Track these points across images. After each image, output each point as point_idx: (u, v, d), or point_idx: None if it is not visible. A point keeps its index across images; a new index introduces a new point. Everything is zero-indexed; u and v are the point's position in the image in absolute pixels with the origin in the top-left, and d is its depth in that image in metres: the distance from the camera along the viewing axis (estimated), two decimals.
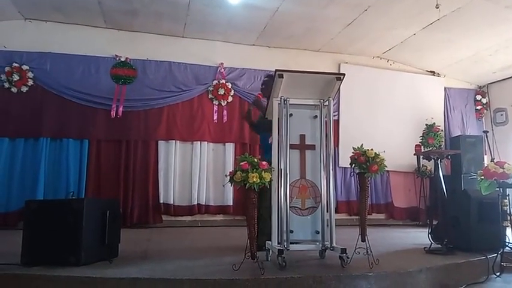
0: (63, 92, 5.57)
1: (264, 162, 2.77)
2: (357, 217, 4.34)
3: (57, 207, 2.85)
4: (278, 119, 2.98)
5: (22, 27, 5.63)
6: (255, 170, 2.71)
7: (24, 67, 5.46)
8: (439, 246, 3.47)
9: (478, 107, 7.40)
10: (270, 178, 2.75)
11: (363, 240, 2.89)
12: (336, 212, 5.02)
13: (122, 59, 5.86)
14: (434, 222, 3.90)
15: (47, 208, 2.86)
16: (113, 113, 5.64)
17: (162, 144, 5.87)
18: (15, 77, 5.39)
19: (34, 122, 5.39)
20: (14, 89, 5.42)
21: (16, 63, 5.44)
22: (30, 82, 5.47)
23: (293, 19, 5.63)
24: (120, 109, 5.69)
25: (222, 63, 6.21)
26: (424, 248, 3.54)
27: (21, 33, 5.60)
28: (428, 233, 3.64)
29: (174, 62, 6.04)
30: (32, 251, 2.74)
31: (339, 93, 5.99)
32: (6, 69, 5.41)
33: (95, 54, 5.76)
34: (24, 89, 5.45)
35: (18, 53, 5.49)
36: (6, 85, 5.40)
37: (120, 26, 5.87)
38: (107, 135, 5.65)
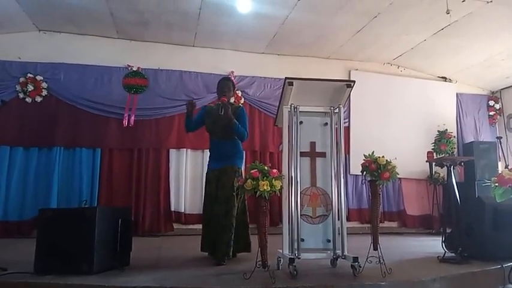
0: (76, 102, 5.65)
1: (275, 170, 2.77)
2: (369, 225, 4.30)
3: (70, 216, 2.88)
4: (288, 126, 2.99)
5: (36, 38, 5.75)
6: (265, 177, 2.71)
7: (39, 78, 5.57)
8: (453, 255, 3.41)
9: (491, 113, 7.30)
10: (281, 186, 2.75)
11: (375, 248, 2.86)
12: (348, 220, 4.96)
13: (134, 69, 5.94)
14: (448, 230, 3.84)
15: (60, 216, 2.89)
16: (125, 122, 5.71)
17: (173, 152, 5.91)
18: (30, 88, 5.50)
19: (48, 132, 5.48)
20: (28, 99, 5.52)
21: (30, 73, 5.55)
22: (44, 92, 5.57)
23: (302, 27, 5.65)
24: (132, 118, 5.75)
25: (232, 72, 6.25)
26: (438, 256, 3.48)
27: (35, 44, 5.72)
28: (442, 241, 3.58)
29: (185, 71, 6.10)
30: (44, 259, 2.77)
31: (349, 100, 5.98)
32: (21, 79, 5.52)
33: (107, 64, 5.84)
34: (39, 99, 5.55)
35: (32, 64, 5.60)
36: (21, 95, 5.51)
37: (132, 37, 5.96)
38: (119, 144, 5.71)
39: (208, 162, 3.69)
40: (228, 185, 3.44)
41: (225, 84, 3.69)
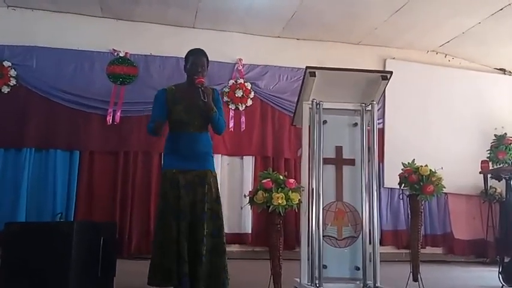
0: (50, 94, 5.71)
1: (292, 180, 2.77)
2: (407, 251, 4.27)
3: (43, 231, 2.91)
4: (309, 126, 2.99)
5: (4, 16, 5.82)
6: (280, 189, 2.71)
7: (6, 64, 5.63)
8: None
9: None
10: (299, 200, 2.74)
11: (415, 279, 2.85)
12: (381, 243, 4.93)
13: (121, 54, 5.99)
14: (506, 259, 3.80)
15: (30, 232, 2.93)
16: (109, 119, 5.75)
17: None
18: None
19: (16, 129, 5.53)
20: None
21: None
22: (13, 81, 5.64)
23: (327, 5, 5.65)
24: (118, 114, 5.79)
25: (240, 59, 6.27)
26: None
27: (2, 23, 5.79)
28: (499, 272, 3.55)
29: (182, 58, 6.00)
30: (11, 282, 2.79)
31: (385, 95, 5.95)
32: None
33: (88, 49, 5.90)
34: (6, 89, 5.62)
35: None
36: None
37: (119, 15, 6.02)
38: (101, 146, 5.75)
39: (169, 159, 3.46)
40: (214, 195, 3.40)
41: (200, 60, 3.52)
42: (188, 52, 3.58)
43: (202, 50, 3.56)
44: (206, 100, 3.30)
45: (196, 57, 3.51)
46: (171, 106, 3.46)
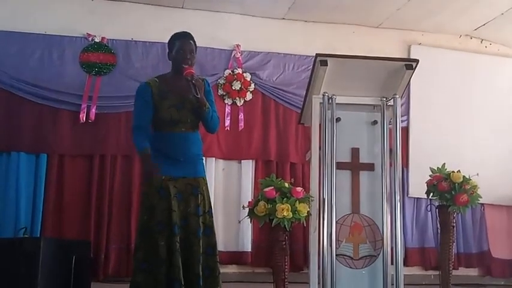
0: (12, 86, 5.70)
1: (299, 189, 2.77)
2: (437, 272, 4.24)
3: (3, 249, 2.90)
4: (320, 125, 2.99)
5: None
6: (285, 199, 2.71)
7: None
8: None
9: None
10: (308, 212, 2.74)
11: None
12: (405, 264, 4.91)
13: (97, 40, 5.98)
14: None
15: None
16: (83, 116, 5.74)
17: None
18: None
19: None
20: None
21: None
22: None
23: None
24: (93, 110, 5.79)
25: (237, 46, 6.27)
26: None
27: None
28: None
29: None
30: None
31: (409, 88, 5.95)
32: None
33: (58, 33, 5.89)
34: None
35: None
36: None
37: None
38: (73, 148, 5.74)
39: (156, 163, 3.46)
40: (207, 206, 3.43)
41: (187, 45, 3.57)
42: (172, 36, 3.64)
43: (189, 33, 3.61)
44: (199, 96, 3.34)
45: (183, 42, 3.56)
46: (157, 102, 3.49)
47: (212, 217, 3.43)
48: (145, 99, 3.52)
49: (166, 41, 6.02)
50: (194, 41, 3.62)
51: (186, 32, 3.62)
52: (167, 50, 3.66)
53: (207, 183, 3.49)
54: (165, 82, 3.55)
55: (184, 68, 3.43)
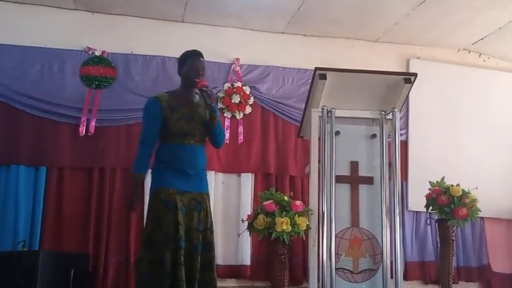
0: (12, 99, 5.70)
1: (299, 202, 2.77)
2: (437, 287, 4.23)
3: (2, 263, 2.90)
4: (319, 138, 3.00)
5: None
6: (285, 212, 2.71)
7: None
8: None
9: None
10: (307, 225, 2.74)
11: None
12: (405, 278, 4.89)
13: (97, 53, 6.00)
14: None
15: None
16: (82, 129, 5.75)
17: (149, 173, 5.90)
18: None
19: None
20: None
21: None
22: None
23: None
24: (93, 123, 5.79)
25: (237, 59, 6.30)
26: None
27: None
28: None
29: (169, 58, 6.14)
30: None
31: (408, 102, 5.96)
32: None
33: (58, 47, 5.90)
34: None
35: None
36: None
37: (95, 7, 6.04)
38: (72, 161, 5.73)
39: (163, 175, 3.57)
40: (209, 222, 3.49)
41: (200, 63, 3.73)
42: (185, 54, 3.78)
43: (200, 52, 3.78)
44: (213, 104, 3.50)
45: (195, 59, 3.70)
46: (167, 115, 3.57)
47: (213, 233, 3.46)
48: (154, 113, 3.62)
49: (167, 55, 6.16)
50: (204, 59, 3.79)
51: (197, 50, 3.78)
52: (177, 67, 3.79)
53: (209, 199, 3.54)
54: (175, 96, 3.65)
55: (197, 81, 3.56)
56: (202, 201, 3.45)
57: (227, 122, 6.19)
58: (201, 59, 3.76)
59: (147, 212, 3.66)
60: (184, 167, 3.49)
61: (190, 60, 3.71)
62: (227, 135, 6.12)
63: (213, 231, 3.50)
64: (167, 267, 3.22)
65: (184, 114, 3.58)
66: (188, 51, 3.82)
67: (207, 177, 3.68)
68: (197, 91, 3.66)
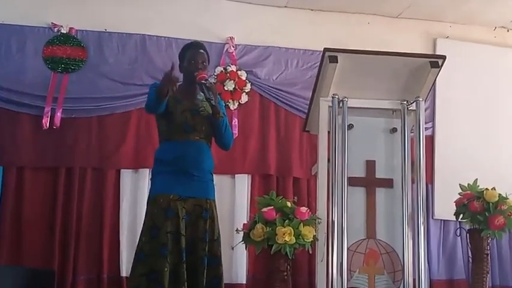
0: None
1: (304, 209, 2.77)
2: None
3: None
4: (329, 133, 3.00)
5: None
6: (287, 221, 2.71)
7: None
8: None
9: None
10: (314, 236, 2.74)
11: None
12: None
13: (63, 31, 6.00)
14: None
15: None
16: (46, 122, 5.74)
17: (126, 174, 5.93)
18: None
19: None
20: None
21: None
22: None
23: None
24: (58, 114, 5.79)
25: (231, 38, 6.29)
26: None
27: None
28: None
29: (149, 36, 6.15)
30: None
31: (435, 89, 5.97)
32: None
33: (17, 23, 5.90)
34: None
35: None
36: None
37: None
38: (34, 159, 5.73)
39: (163, 179, 3.66)
40: (216, 234, 3.55)
41: (199, 54, 3.86)
42: (183, 47, 3.97)
43: (200, 43, 3.97)
44: (213, 99, 3.59)
45: (194, 52, 3.84)
46: (171, 106, 3.69)
47: (220, 246, 3.52)
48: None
49: (147, 33, 6.15)
50: (206, 51, 3.94)
51: (197, 41, 4.00)
52: (178, 62, 3.90)
53: (216, 208, 3.64)
54: (178, 90, 3.70)
55: (197, 74, 3.67)
56: (208, 208, 3.53)
57: None
58: (201, 50, 3.89)
59: (144, 220, 3.72)
60: (189, 167, 3.57)
61: (188, 53, 3.84)
62: None
63: (220, 243, 3.56)
64: (164, 283, 3.25)
65: (189, 107, 3.72)
66: (187, 43, 3.99)
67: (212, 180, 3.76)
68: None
